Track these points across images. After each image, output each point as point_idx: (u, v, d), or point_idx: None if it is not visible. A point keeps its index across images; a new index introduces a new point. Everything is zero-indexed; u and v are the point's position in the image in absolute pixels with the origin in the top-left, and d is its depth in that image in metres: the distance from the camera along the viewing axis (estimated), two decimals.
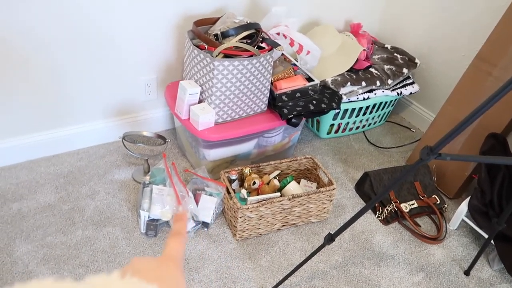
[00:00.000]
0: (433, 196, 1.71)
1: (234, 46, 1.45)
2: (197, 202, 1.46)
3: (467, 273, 1.47)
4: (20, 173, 1.58)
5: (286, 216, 1.47)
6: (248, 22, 1.56)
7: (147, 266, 0.38)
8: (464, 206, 1.59)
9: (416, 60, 2.06)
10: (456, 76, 1.97)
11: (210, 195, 1.47)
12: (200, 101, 1.53)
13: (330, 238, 1.17)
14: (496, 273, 1.48)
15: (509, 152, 1.56)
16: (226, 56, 1.44)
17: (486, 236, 1.52)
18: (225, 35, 1.49)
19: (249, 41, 1.51)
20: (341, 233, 1.18)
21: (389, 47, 2.15)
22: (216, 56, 1.42)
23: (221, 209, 1.51)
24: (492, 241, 1.48)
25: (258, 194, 1.50)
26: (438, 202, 1.69)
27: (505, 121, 1.59)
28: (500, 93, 0.79)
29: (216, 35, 1.50)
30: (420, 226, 1.63)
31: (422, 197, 1.69)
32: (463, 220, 1.62)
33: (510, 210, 1.28)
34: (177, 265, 0.40)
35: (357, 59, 1.91)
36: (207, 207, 1.44)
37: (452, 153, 1.75)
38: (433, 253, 1.53)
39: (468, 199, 1.59)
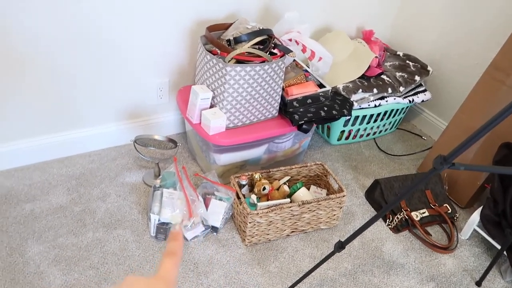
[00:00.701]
0: (445, 205, 1.69)
1: (246, 52, 1.46)
2: (206, 206, 1.46)
3: (478, 284, 1.45)
4: (33, 174, 1.60)
5: (295, 222, 1.47)
6: (261, 28, 1.56)
7: (140, 285, 0.38)
8: (476, 216, 1.57)
9: (429, 68, 2.05)
10: (469, 84, 1.95)
11: (220, 199, 1.48)
12: (211, 106, 1.54)
13: (340, 246, 1.16)
14: (508, 285, 1.46)
15: None
16: (239, 61, 1.45)
17: (498, 246, 1.50)
18: (237, 40, 1.50)
19: (261, 47, 1.52)
20: (351, 241, 1.18)
21: (401, 54, 2.14)
22: (229, 61, 1.42)
23: (230, 213, 1.52)
24: (504, 252, 1.45)
25: (267, 200, 1.50)
26: (450, 211, 1.68)
27: None
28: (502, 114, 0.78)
29: (228, 40, 1.51)
30: (431, 235, 1.61)
31: (433, 205, 1.67)
32: (475, 230, 1.59)
33: None
34: (170, 286, 0.41)
35: (369, 66, 1.91)
36: (217, 211, 1.44)
37: (465, 162, 1.73)
38: (444, 262, 1.51)
39: (480, 208, 1.57)
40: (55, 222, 1.43)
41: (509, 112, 0.80)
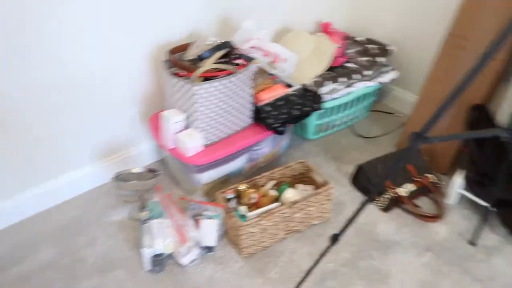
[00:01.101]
0: (428, 175, 1.73)
1: (211, 68, 1.48)
2: (198, 227, 1.47)
3: (473, 243, 1.49)
4: (15, 234, 1.57)
5: (288, 224, 1.49)
6: (221, 41, 1.58)
7: None
8: (459, 180, 1.61)
9: (390, 47, 2.10)
10: (432, 55, 2.02)
11: (210, 218, 1.48)
12: (185, 128, 1.55)
13: (335, 238, 1.18)
14: (501, 238, 1.51)
15: (492, 121, 1.59)
16: (206, 79, 1.47)
17: (485, 204, 1.54)
18: (200, 58, 1.52)
19: (225, 60, 1.54)
20: (345, 231, 1.20)
21: (361, 40, 2.19)
22: (195, 80, 1.44)
23: (223, 230, 1.53)
24: (492, 208, 1.49)
25: (257, 208, 1.51)
26: (434, 181, 1.72)
27: (484, 90, 1.63)
28: (476, 70, 0.82)
29: (192, 60, 1.53)
30: (421, 207, 1.65)
31: (417, 178, 1.71)
32: (460, 193, 1.64)
33: (504, 175, 1.31)
34: None
35: (333, 56, 1.95)
36: (209, 231, 1.45)
37: (439, 130, 1.78)
38: (437, 230, 1.55)
39: (461, 172, 1.62)
40: (47, 280, 1.40)
41: (471, 79, 0.83)
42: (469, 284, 1.36)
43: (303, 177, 1.70)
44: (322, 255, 1.25)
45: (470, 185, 1.60)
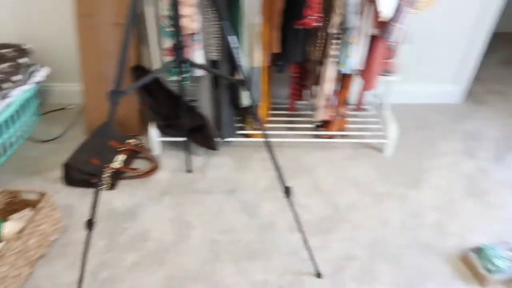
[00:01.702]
0: (129, 141, 1.88)
1: None
2: None
3: (190, 171, 1.80)
4: None
5: (27, 255, 1.30)
6: None
7: None
8: (152, 132, 1.85)
9: (26, 46, 1.99)
10: (74, 40, 2.07)
11: None
12: None
13: (90, 224, 1.15)
14: (203, 156, 1.89)
15: (148, 71, 1.87)
16: None
17: (181, 139, 1.86)
18: None
19: None
20: (95, 215, 1.17)
21: None
22: None
23: None
24: (186, 139, 1.83)
25: None
26: (136, 143, 1.89)
27: (133, 53, 1.87)
28: (127, 40, 0.99)
29: None
30: (138, 168, 1.80)
31: (122, 148, 1.83)
32: (160, 141, 1.89)
33: (181, 111, 1.61)
34: None
35: None
36: None
37: (121, 101, 1.93)
38: (160, 178, 1.76)
39: (152, 124, 1.85)
40: None
41: (127, 47, 1.00)
42: (206, 200, 1.65)
43: (14, 206, 1.48)
44: (86, 254, 1.20)
45: (163, 130, 1.87)
